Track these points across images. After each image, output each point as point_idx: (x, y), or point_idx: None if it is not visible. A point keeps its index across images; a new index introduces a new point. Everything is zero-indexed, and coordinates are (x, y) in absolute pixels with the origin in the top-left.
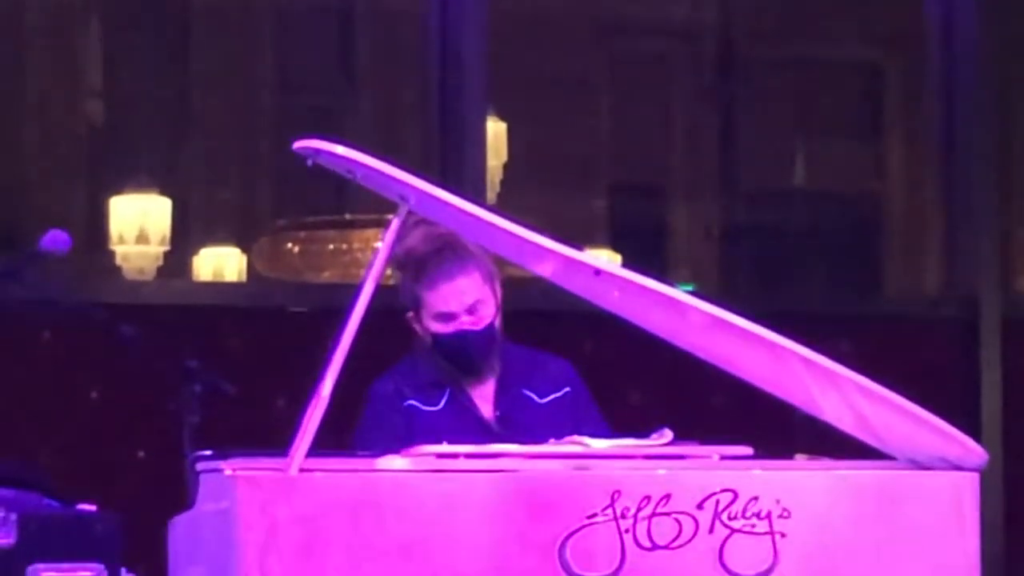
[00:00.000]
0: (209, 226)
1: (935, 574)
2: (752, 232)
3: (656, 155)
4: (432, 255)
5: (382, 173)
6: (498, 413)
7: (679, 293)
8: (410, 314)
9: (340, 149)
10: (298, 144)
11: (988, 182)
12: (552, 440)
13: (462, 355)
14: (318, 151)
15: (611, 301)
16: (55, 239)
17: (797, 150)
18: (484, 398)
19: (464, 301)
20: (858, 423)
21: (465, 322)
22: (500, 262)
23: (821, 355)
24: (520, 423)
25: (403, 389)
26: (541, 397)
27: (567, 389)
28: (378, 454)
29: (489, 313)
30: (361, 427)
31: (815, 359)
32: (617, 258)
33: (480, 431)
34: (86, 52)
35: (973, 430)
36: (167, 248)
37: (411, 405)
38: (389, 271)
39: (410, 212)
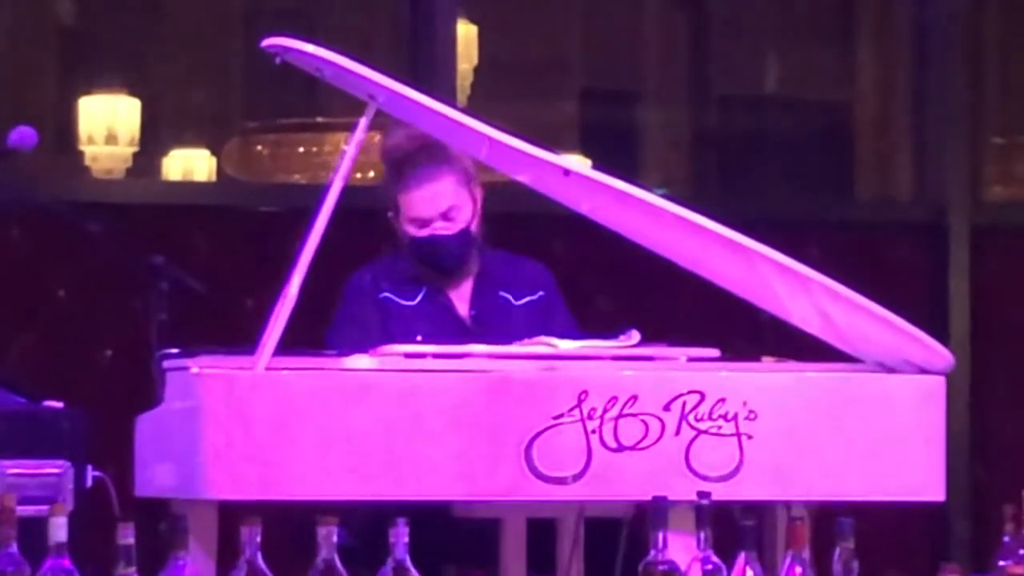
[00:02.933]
0: (179, 128)
1: (901, 476)
2: (723, 138)
3: (627, 60)
4: (408, 159)
5: (351, 71)
6: (473, 312)
7: (648, 195)
8: (391, 213)
9: (310, 47)
10: (267, 42)
11: (959, 89)
12: (522, 341)
13: (434, 259)
14: (287, 49)
15: (580, 202)
16: (22, 135)
17: (769, 57)
18: (461, 298)
19: (437, 207)
20: (826, 326)
21: (439, 227)
22: (470, 163)
23: (790, 259)
24: (495, 323)
25: (380, 282)
26: (517, 299)
27: (541, 293)
28: (347, 350)
29: (465, 218)
30: (336, 318)
31: (783, 262)
32: (587, 163)
33: (455, 328)
34: None
35: (940, 335)
36: (136, 149)
37: (387, 297)
38: (359, 173)
39: (379, 111)
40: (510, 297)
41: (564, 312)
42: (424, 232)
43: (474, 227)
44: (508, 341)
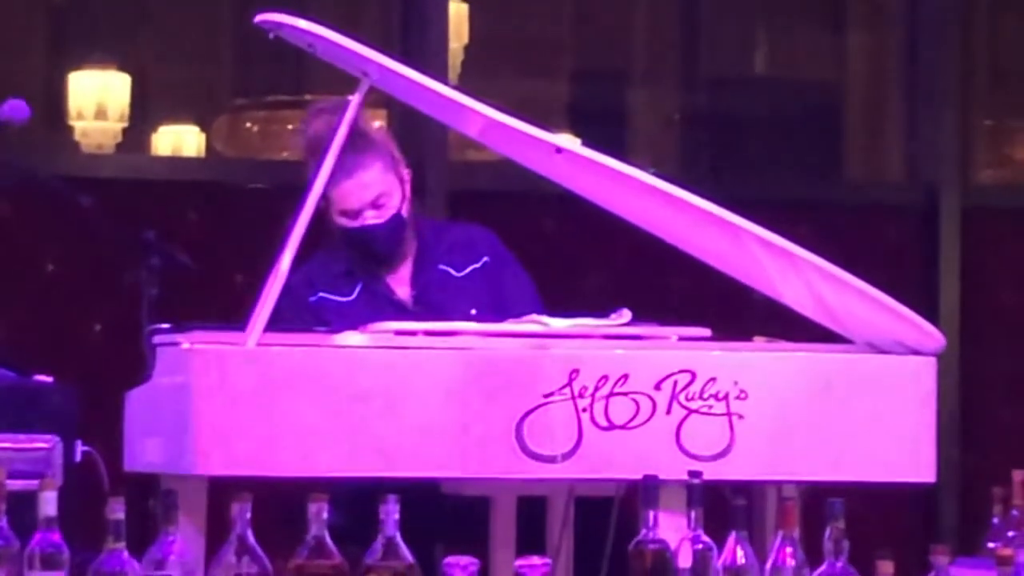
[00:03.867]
0: (168, 104)
1: (891, 458)
2: (713, 118)
3: (618, 40)
4: (328, 147)
5: (343, 47)
6: (415, 292)
7: (640, 173)
8: (321, 204)
9: (302, 23)
10: (260, 17)
11: (950, 71)
12: (475, 312)
13: (369, 248)
14: (280, 24)
15: (572, 179)
16: (14, 108)
17: (759, 37)
18: (401, 280)
19: (366, 197)
20: (817, 306)
21: (369, 216)
22: (462, 143)
23: (781, 238)
24: (436, 300)
25: (314, 282)
26: (459, 270)
27: (486, 259)
28: (330, 329)
29: (394, 203)
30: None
31: (775, 241)
32: (578, 142)
33: (395, 314)
34: None
35: (931, 316)
36: (126, 125)
37: (321, 298)
38: None
39: (371, 87)
40: (451, 270)
41: (515, 272)
42: (355, 223)
43: (404, 211)
44: (453, 316)
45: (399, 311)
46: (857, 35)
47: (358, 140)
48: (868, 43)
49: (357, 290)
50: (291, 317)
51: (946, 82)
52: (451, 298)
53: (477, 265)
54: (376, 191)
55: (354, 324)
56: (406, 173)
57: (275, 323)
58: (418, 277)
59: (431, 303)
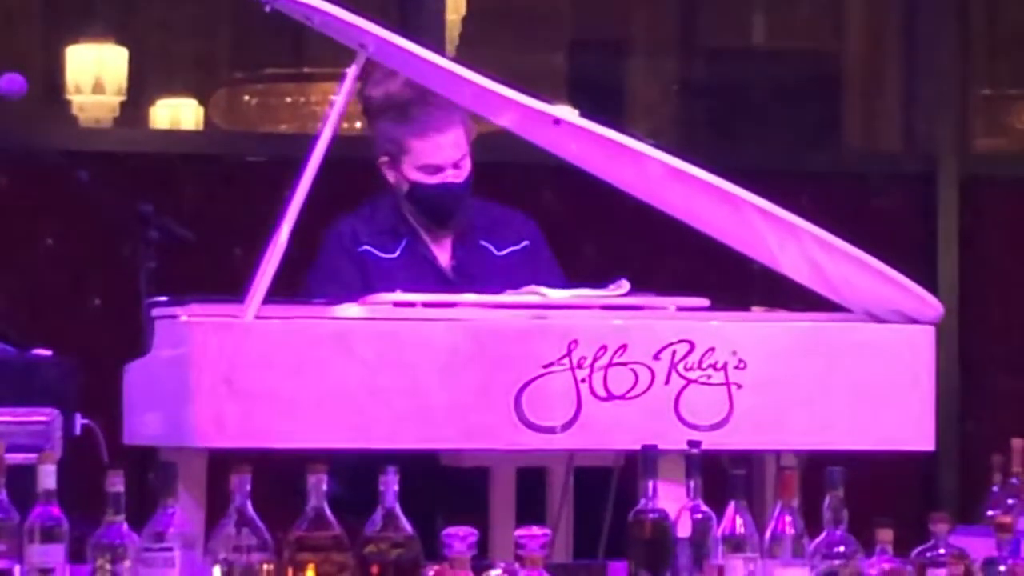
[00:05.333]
0: (166, 77)
1: (890, 426)
2: (712, 89)
3: (616, 10)
4: (417, 102)
5: (340, 19)
6: (454, 263)
7: (638, 143)
8: (384, 159)
9: None
10: None
11: (948, 39)
12: (509, 291)
13: (440, 207)
14: None
15: (570, 151)
16: (11, 82)
17: (757, 7)
18: (442, 248)
19: (452, 155)
20: (815, 276)
21: (449, 176)
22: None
23: (779, 208)
24: (476, 274)
25: (360, 234)
26: (499, 250)
27: (526, 243)
28: (328, 300)
29: (468, 167)
30: (314, 269)
31: (773, 211)
32: (576, 113)
33: (436, 279)
34: None
35: (929, 285)
36: (123, 98)
37: (366, 251)
38: (347, 123)
39: (369, 59)
40: (491, 247)
41: (551, 262)
42: (435, 179)
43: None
44: (490, 292)
45: (439, 278)
46: (855, 4)
47: (442, 100)
48: (866, 12)
49: (400, 248)
50: (337, 267)
51: (944, 51)
52: (489, 275)
53: (517, 247)
54: (462, 151)
55: (394, 283)
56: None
57: (322, 274)
58: (459, 249)
59: (471, 276)
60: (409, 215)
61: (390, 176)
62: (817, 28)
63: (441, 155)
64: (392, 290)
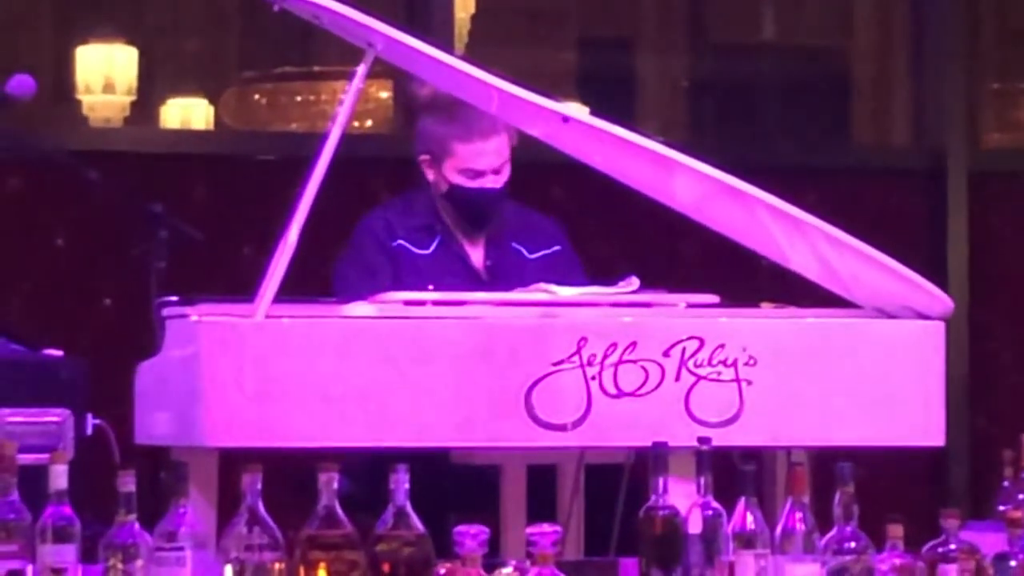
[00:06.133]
0: (176, 77)
1: (900, 422)
2: (720, 85)
3: (625, 7)
4: (464, 104)
5: (348, 18)
6: (489, 263)
7: (647, 141)
8: (426, 157)
9: None
10: None
11: (957, 35)
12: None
13: (478, 211)
14: None
15: (579, 148)
16: (20, 83)
17: (766, 3)
18: (476, 248)
19: (493, 162)
20: (825, 272)
21: (488, 181)
22: None
23: (788, 204)
24: (509, 275)
25: (395, 227)
26: (531, 253)
27: (557, 248)
28: (348, 297)
29: (508, 173)
30: (344, 258)
31: (782, 207)
32: (585, 110)
33: (469, 278)
34: None
35: (938, 281)
36: (133, 98)
37: (400, 245)
38: (357, 122)
39: (377, 58)
40: (523, 250)
41: (580, 267)
42: (475, 183)
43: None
44: None
45: (473, 277)
46: (864, 0)
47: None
48: (875, 8)
49: (435, 245)
50: (372, 260)
51: (953, 46)
52: (520, 277)
53: (548, 252)
54: (503, 158)
55: (427, 279)
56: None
57: (354, 264)
58: (492, 250)
59: (503, 276)
60: (445, 214)
61: (429, 174)
62: (826, 24)
63: (484, 161)
64: (423, 286)
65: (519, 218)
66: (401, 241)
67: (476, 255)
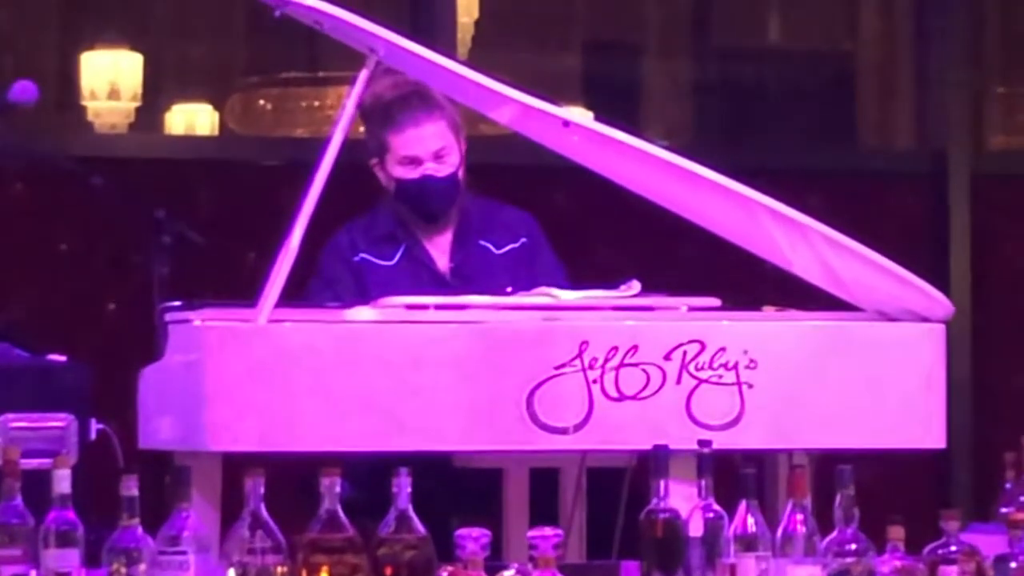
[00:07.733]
0: (181, 82)
1: (901, 425)
2: (725, 89)
3: (630, 11)
4: (399, 101)
5: (350, 24)
6: (453, 264)
7: (649, 145)
8: (374, 161)
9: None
10: None
11: (961, 37)
12: (511, 289)
13: (424, 201)
14: (287, 1)
15: (581, 153)
16: (23, 90)
17: (771, 6)
18: (440, 250)
19: (430, 147)
20: (826, 275)
21: (430, 168)
22: (473, 117)
23: (790, 208)
24: (475, 274)
25: (358, 242)
26: (498, 248)
27: (524, 240)
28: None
29: (454, 162)
30: (313, 278)
31: (784, 211)
32: (590, 115)
33: (434, 283)
34: None
35: (941, 284)
36: (139, 104)
37: (364, 259)
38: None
39: (379, 63)
40: (490, 246)
41: (551, 259)
42: (415, 173)
43: (460, 174)
44: (489, 292)
45: (438, 282)
46: (869, 4)
47: (427, 97)
48: (879, 11)
49: (398, 255)
50: (334, 275)
51: (957, 49)
52: (488, 274)
53: (515, 245)
54: (439, 143)
55: (392, 290)
56: (464, 143)
57: (317, 281)
58: (458, 249)
59: (469, 277)
60: (403, 217)
61: (381, 177)
62: (831, 28)
63: (420, 147)
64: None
65: (486, 214)
66: (364, 255)
67: (441, 258)
